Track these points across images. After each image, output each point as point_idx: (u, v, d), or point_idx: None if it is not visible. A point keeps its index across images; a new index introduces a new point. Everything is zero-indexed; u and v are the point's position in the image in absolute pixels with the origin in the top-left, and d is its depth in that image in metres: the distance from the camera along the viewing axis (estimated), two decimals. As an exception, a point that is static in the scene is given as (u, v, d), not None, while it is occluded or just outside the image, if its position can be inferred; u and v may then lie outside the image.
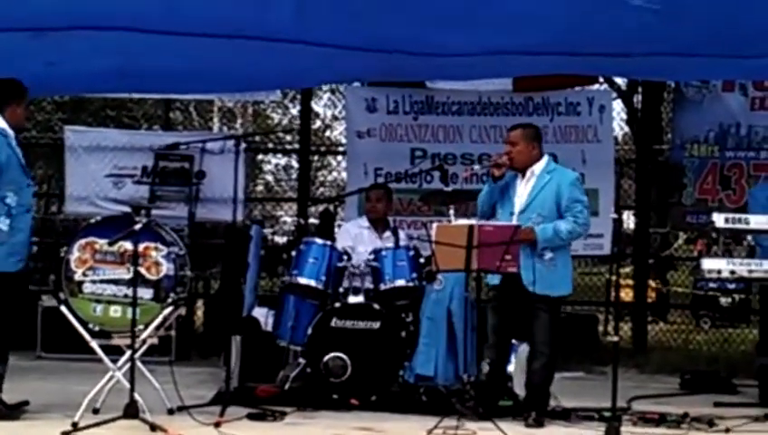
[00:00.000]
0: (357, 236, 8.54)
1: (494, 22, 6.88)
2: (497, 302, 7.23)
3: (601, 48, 7.58)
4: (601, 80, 11.77)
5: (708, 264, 7.33)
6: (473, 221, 6.67)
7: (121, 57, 7.78)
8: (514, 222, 6.94)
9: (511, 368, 7.43)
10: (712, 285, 13.08)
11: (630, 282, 11.99)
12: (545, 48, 7.59)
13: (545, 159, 7.27)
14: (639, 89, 12.23)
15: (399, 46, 7.65)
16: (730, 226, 7.30)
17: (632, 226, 12.41)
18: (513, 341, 7.39)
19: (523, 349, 7.35)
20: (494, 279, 7.07)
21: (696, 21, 6.57)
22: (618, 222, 8.78)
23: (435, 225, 6.72)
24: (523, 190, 7.14)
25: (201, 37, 7.21)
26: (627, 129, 14.57)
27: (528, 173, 7.15)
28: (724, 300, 13.66)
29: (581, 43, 7.45)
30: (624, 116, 13.69)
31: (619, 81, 13.92)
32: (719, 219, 7.29)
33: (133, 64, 8.07)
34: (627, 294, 11.84)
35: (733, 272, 7.22)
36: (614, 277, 9.02)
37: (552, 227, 6.99)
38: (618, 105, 12.67)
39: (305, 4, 6.70)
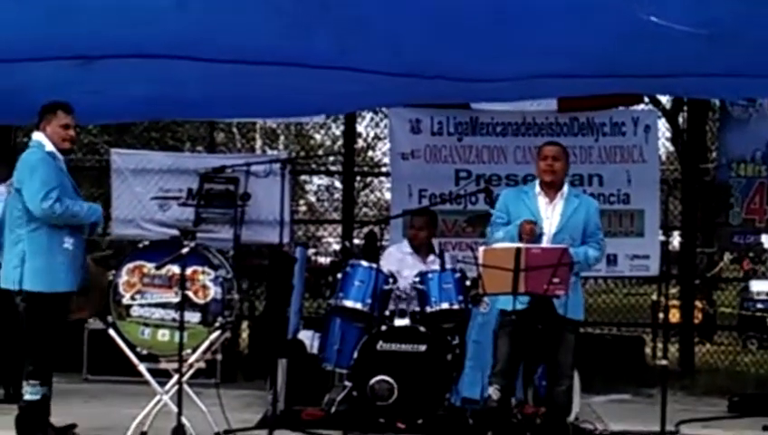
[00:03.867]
0: (401, 261, 8.52)
1: (535, 51, 6.87)
2: (514, 328, 6.77)
3: (644, 70, 7.50)
4: (646, 99, 11.67)
5: (757, 286, 7.31)
6: (520, 244, 6.60)
7: (164, 84, 7.83)
8: (547, 244, 6.76)
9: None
10: (759, 305, 12.91)
11: (676, 303, 11.87)
12: (587, 71, 7.58)
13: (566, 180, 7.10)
14: (684, 108, 12.14)
15: (441, 73, 7.65)
16: (779, 247, 7.25)
17: (677, 246, 12.29)
18: None
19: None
20: (506, 305, 6.70)
21: (744, 43, 6.44)
22: (665, 243, 8.68)
23: (481, 248, 6.61)
24: (552, 211, 6.87)
25: (243, 64, 7.24)
26: (671, 147, 14.43)
27: (558, 194, 6.91)
28: (772, 321, 13.51)
29: (623, 66, 7.40)
30: (668, 135, 13.55)
31: (664, 100, 13.81)
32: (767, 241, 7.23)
33: (175, 91, 8.12)
34: (673, 316, 11.71)
35: (782, 293, 7.17)
36: (662, 299, 8.89)
37: (583, 252, 6.77)
38: (662, 124, 12.52)
39: (345, 35, 6.70)
